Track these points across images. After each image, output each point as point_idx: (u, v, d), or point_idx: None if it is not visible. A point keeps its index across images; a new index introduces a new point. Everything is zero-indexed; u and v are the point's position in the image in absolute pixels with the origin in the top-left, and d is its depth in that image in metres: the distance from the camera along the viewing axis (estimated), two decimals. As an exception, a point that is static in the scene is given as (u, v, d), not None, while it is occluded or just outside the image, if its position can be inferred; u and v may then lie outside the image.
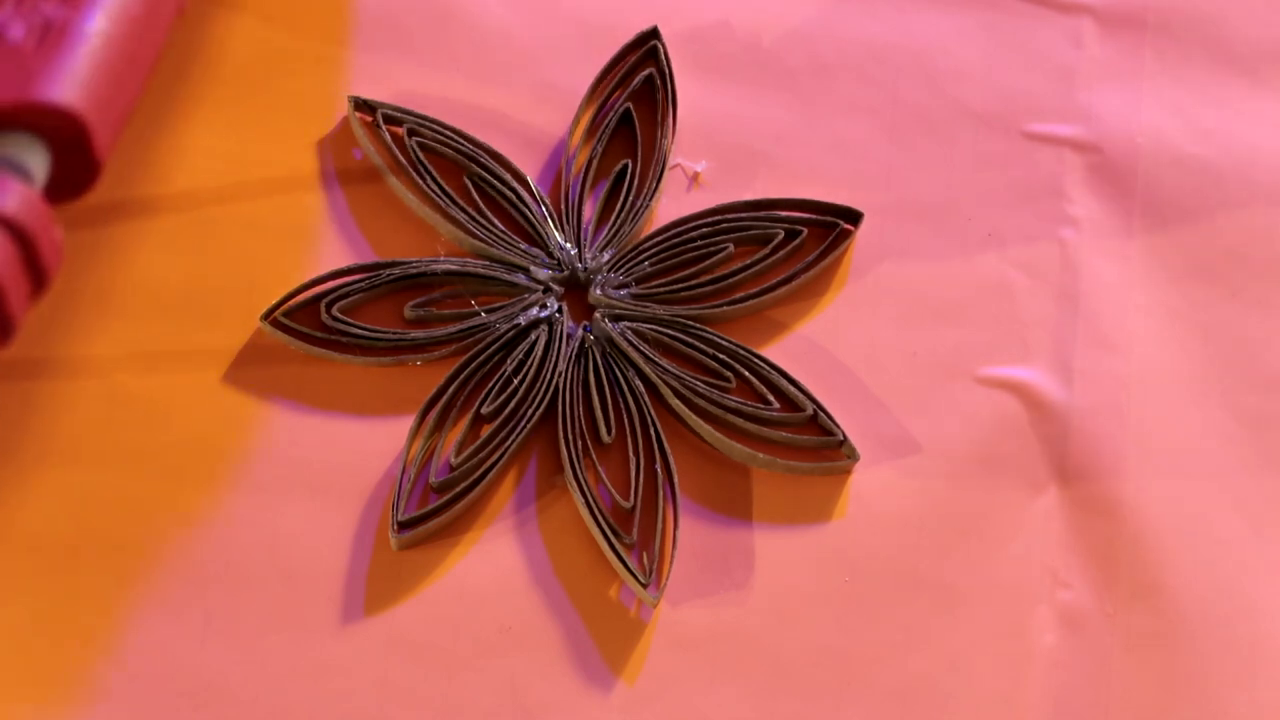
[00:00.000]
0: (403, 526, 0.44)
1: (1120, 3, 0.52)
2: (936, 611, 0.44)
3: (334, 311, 0.46)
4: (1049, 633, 0.44)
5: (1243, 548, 0.46)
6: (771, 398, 0.46)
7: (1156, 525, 0.45)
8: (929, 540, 0.45)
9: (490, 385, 0.46)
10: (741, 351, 0.47)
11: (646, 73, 0.50)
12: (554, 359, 0.46)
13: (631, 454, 0.45)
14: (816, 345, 0.47)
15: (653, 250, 0.48)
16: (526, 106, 0.50)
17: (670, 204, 0.49)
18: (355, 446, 0.45)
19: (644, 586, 0.43)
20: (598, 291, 0.47)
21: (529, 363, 0.46)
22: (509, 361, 0.46)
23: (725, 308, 0.47)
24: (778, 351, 0.47)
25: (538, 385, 0.46)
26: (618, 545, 0.44)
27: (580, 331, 0.47)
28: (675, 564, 0.44)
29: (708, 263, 0.48)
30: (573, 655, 0.43)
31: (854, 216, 0.48)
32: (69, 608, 0.43)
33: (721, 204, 0.48)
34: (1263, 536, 0.46)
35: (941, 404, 0.47)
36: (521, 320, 0.47)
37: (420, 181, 0.48)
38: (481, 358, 0.46)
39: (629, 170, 0.49)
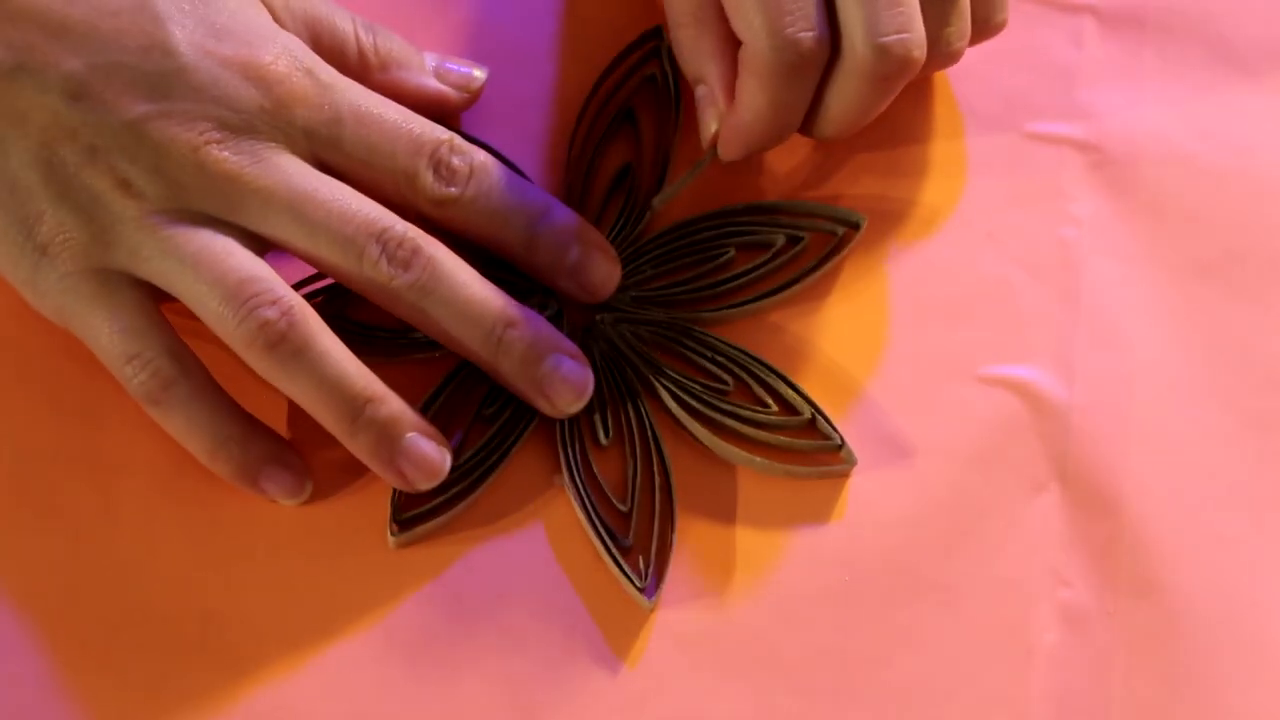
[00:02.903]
0: (402, 525, 0.44)
1: (1120, 2, 0.52)
2: (937, 611, 0.44)
3: (334, 311, 0.46)
4: (1050, 631, 0.44)
5: (1243, 546, 0.46)
6: (770, 401, 0.46)
7: (1156, 524, 0.45)
8: (929, 540, 0.45)
9: (491, 386, 0.46)
10: (741, 355, 0.47)
11: (649, 73, 0.50)
12: (554, 360, 0.46)
13: (629, 457, 0.45)
14: (816, 346, 0.47)
15: (654, 253, 0.48)
16: (527, 106, 0.50)
17: (672, 206, 0.49)
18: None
19: (640, 590, 0.43)
20: (598, 293, 0.47)
21: (529, 364, 0.46)
22: (509, 362, 0.46)
23: (725, 311, 0.47)
24: (777, 353, 0.47)
25: (538, 386, 0.46)
26: (614, 549, 0.44)
27: (580, 334, 0.47)
28: (674, 565, 0.44)
29: (709, 266, 0.48)
30: (572, 655, 0.43)
31: (855, 222, 0.48)
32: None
33: (723, 207, 0.48)
34: (1263, 535, 0.46)
35: (941, 404, 0.47)
36: (522, 321, 0.47)
37: (421, 182, 0.48)
38: (481, 358, 0.46)
39: (630, 171, 0.49)
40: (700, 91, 0.47)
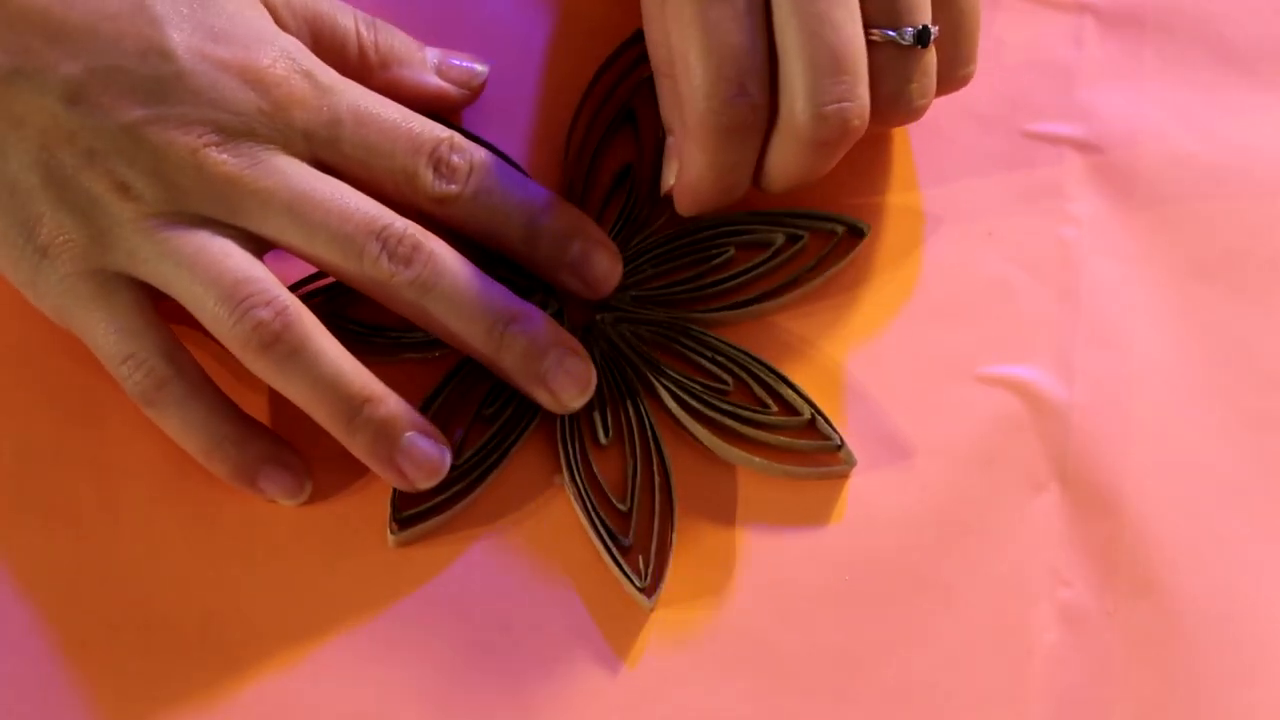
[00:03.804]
0: (402, 524, 0.44)
1: (1120, 2, 0.52)
2: (937, 610, 0.44)
3: (334, 311, 0.46)
4: (1049, 631, 0.44)
5: (1242, 546, 0.46)
6: (770, 401, 0.46)
7: (1156, 524, 0.45)
8: (929, 540, 0.45)
9: (491, 385, 0.46)
10: (741, 355, 0.47)
11: (649, 73, 0.50)
12: (554, 360, 0.46)
13: (629, 456, 0.45)
14: (816, 347, 0.47)
15: (654, 253, 0.48)
16: (527, 105, 0.50)
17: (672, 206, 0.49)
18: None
19: (640, 590, 0.43)
20: (598, 293, 0.47)
21: (529, 363, 0.46)
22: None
23: (725, 311, 0.47)
24: (777, 353, 0.47)
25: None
26: (614, 549, 0.44)
27: (580, 333, 0.47)
28: (674, 565, 0.44)
29: (709, 266, 0.48)
30: (573, 654, 0.44)
31: (860, 229, 0.48)
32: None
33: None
34: (1262, 535, 0.46)
35: (941, 404, 0.47)
36: (522, 321, 0.47)
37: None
38: (481, 357, 0.46)
39: (630, 171, 0.49)
40: (668, 142, 0.47)
